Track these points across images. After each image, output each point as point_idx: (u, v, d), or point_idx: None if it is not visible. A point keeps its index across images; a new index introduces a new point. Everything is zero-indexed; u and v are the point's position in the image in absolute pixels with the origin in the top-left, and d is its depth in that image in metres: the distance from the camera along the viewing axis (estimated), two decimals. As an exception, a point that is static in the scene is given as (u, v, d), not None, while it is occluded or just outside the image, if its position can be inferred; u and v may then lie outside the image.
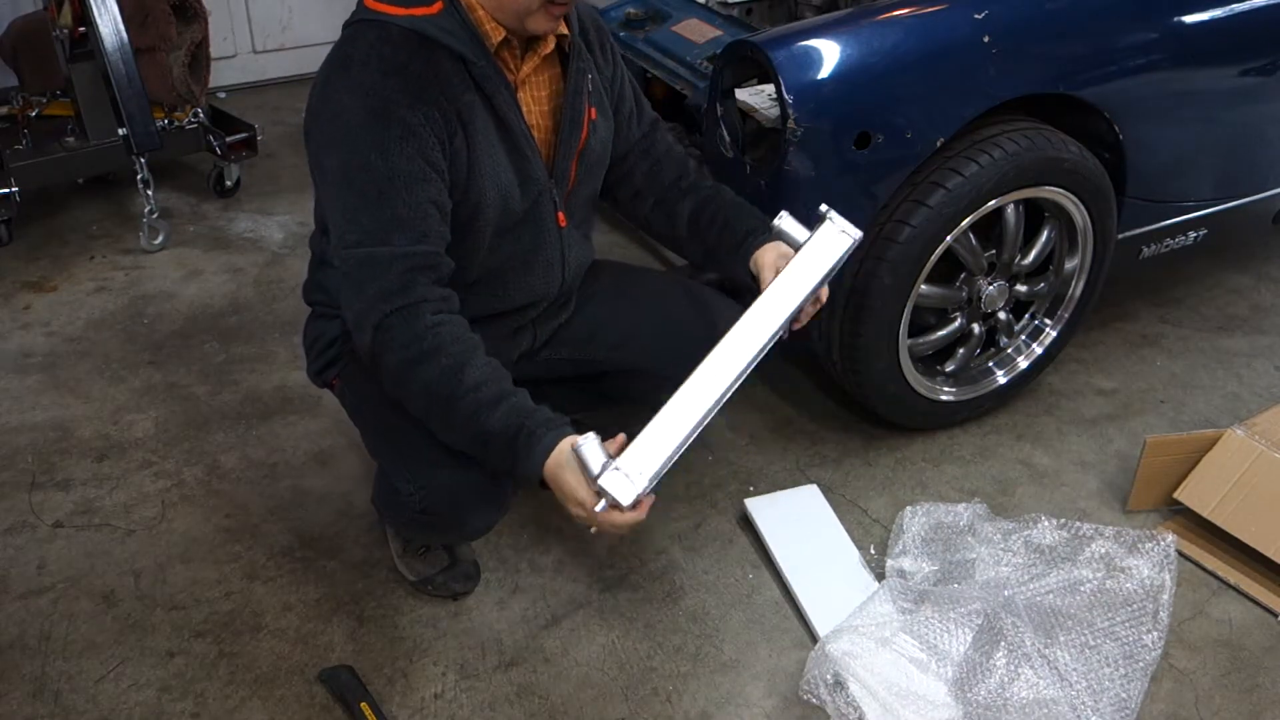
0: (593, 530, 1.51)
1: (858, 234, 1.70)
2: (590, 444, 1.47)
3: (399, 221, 1.52)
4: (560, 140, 1.70)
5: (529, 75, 1.67)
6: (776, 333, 1.62)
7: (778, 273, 1.67)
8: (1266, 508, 2.00)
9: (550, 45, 1.67)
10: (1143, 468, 2.12)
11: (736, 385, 1.57)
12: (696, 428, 1.52)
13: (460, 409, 1.53)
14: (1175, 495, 2.08)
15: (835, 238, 1.69)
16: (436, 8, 1.54)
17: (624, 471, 1.46)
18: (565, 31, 1.67)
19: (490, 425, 1.52)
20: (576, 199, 1.78)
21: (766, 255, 1.73)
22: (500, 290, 1.76)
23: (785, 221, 1.72)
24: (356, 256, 1.54)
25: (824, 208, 1.69)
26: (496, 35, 1.58)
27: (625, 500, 1.45)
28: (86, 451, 2.31)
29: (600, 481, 1.45)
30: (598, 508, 1.46)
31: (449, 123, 1.55)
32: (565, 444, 1.49)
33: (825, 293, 1.72)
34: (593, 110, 1.74)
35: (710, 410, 1.54)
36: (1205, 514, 2.04)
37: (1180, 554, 2.03)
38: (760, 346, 1.59)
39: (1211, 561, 2.03)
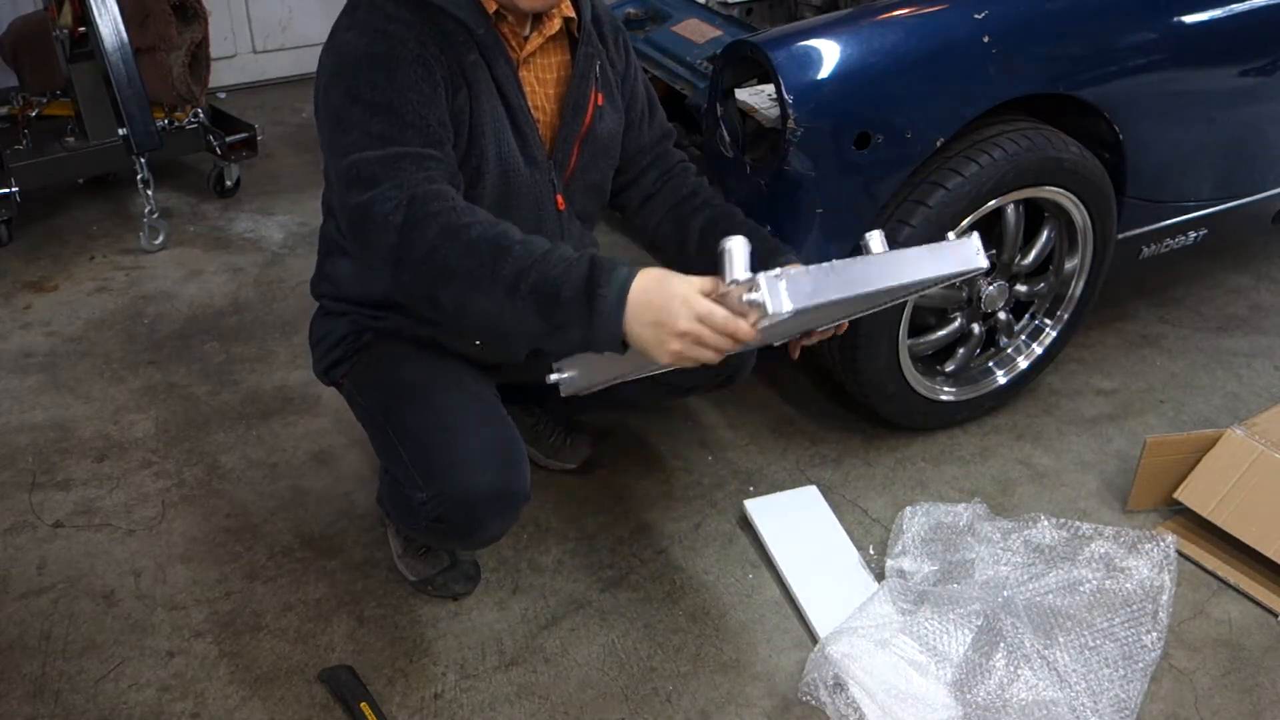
0: (701, 360, 1.29)
1: (982, 264, 1.50)
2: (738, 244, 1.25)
3: (409, 127, 1.46)
4: (563, 123, 1.68)
5: (533, 55, 1.66)
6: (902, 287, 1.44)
7: None
8: (1266, 508, 2.00)
9: (556, 25, 1.65)
10: (1143, 468, 2.12)
11: (879, 299, 1.47)
12: (855, 298, 1.34)
13: (514, 255, 1.35)
14: (1175, 495, 2.08)
15: (964, 252, 1.49)
16: None
17: (784, 279, 1.23)
18: (571, 14, 1.66)
19: (555, 260, 1.34)
20: (577, 185, 1.76)
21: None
22: None
23: (874, 240, 1.48)
24: (361, 160, 1.44)
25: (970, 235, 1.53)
26: (489, 4, 1.58)
27: (785, 307, 1.22)
28: (86, 451, 2.31)
29: (759, 277, 1.22)
30: (721, 318, 1.25)
31: (453, 76, 1.54)
32: (649, 269, 1.31)
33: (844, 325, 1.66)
34: (600, 96, 1.72)
35: (872, 290, 1.35)
36: (1205, 514, 2.04)
37: (1180, 554, 2.03)
38: (901, 283, 1.40)
39: (1211, 561, 2.03)
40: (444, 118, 1.53)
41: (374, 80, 1.49)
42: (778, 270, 1.24)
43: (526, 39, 1.64)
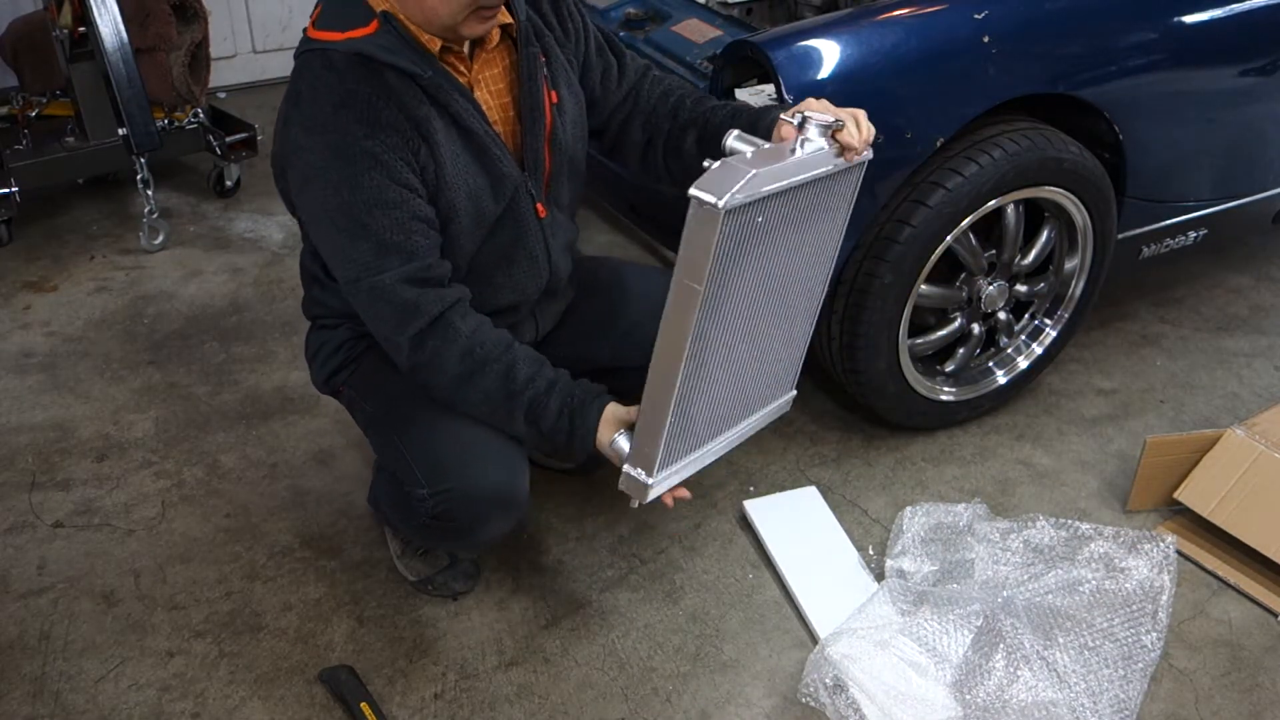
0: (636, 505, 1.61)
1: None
2: (620, 440, 1.59)
3: (386, 247, 1.53)
4: (525, 129, 1.67)
5: (481, 71, 1.64)
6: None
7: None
8: (1266, 508, 2.00)
9: (495, 37, 1.63)
10: (1143, 468, 2.12)
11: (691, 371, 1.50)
12: (674, 408, 1.49)
13: (520, 404, 1.60)
14: (1175, 495, 2.08)
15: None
16: (373, 26, 1.52)
17: (632, 469, 1.56)
18: (508, 19, 1.63)
19: (549, 411, 1.60)
20: (557, 185, 1.75)
21: (784, 129, 1.60)
22: (486, 287, 1.72)
23: (734, 140, 1.58)
24: (362, 290, 1.57)
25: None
26: (434, 45, 1.56)
27: (641, 501, 1.58)
28: (86, 451, 2.31)
29: (620, 484, 1.57)
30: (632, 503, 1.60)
31: (410, 141, 1.53)
32: (608, 412, 1.60)
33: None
34: (554, 94, 1.69)
35: (678, 391, 1.48)
36: (1205, 514, 2.04)
37: (1180, 554, 2.03)
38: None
39: (1211, 561, 2.03)
40: (416, 208, 1.55)
41: (343, 200, 1.52)
42: (626, 457, 1.60)
43: (471, 58, 1.63)
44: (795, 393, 1.82)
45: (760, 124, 1.66)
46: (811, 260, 1.64)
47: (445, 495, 1.64)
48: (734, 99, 2.04)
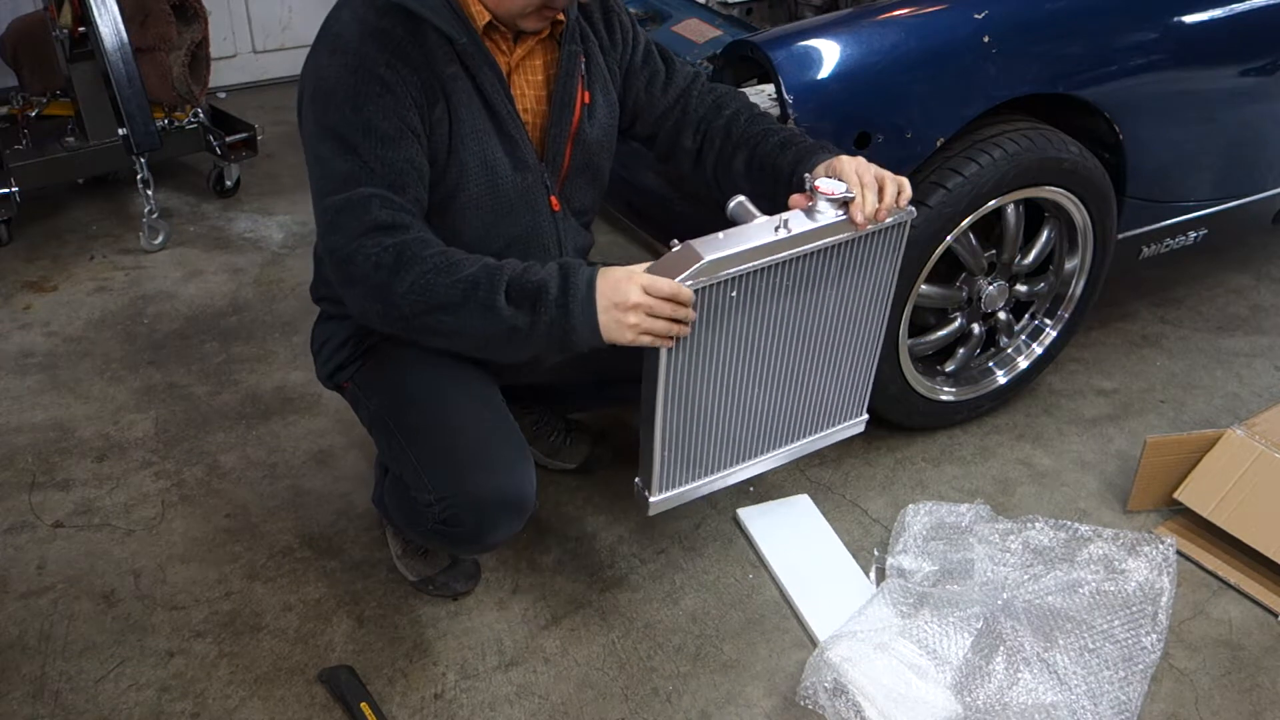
0: (664, 340, 1.48)
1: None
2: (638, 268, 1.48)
3: (372, 173, 1.51)
4: (552, 123, 1.68)
5: (522, 59, 1.66)
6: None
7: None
8: (1266, 508, 2.00)
9: (545, 32, 1.66)
10: (1143, 468, 2.12)
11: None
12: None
13: (501, 280, 1.47)
14: (1175, 495, 2.08)
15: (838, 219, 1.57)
16: None
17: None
18: (560, 19, 1.66)
19: (535, 278, 1.47)
20: (573, 184, 1.76)
21: (794, 198, 1.63)
22: None
23: (734, 207, 1.63)
24: (335, 204, 1.52)
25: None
26: (482, 18, 1.58)
27: (702, 254, 1.45)
28: (86, 451, 2.31)
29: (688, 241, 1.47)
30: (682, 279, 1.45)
31: (429, 90, 1.54)
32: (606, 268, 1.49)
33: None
34: (587, 94, 1.71)
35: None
36: (1205, 514, 2.04)
37: (1180, 554, 2.03)
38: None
39: (1211, 561, 2.03)
40: (410, 153, 1.54)
41: (342, 115, 1.51)
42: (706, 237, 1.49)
43: (516, 43, 1.64)
44: (866, 416, 1.91)
45: (800, 167, 1.65)
46: (852, 308, 1.72)
47: (452, 501, 1.63)
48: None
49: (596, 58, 1.74)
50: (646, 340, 1.46)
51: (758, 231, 1.52)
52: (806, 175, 1.60)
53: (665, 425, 1.64)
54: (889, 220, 1.60)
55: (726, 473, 1.78)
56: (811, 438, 1.86)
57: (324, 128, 1.53)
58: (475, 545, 1.77)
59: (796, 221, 1.54)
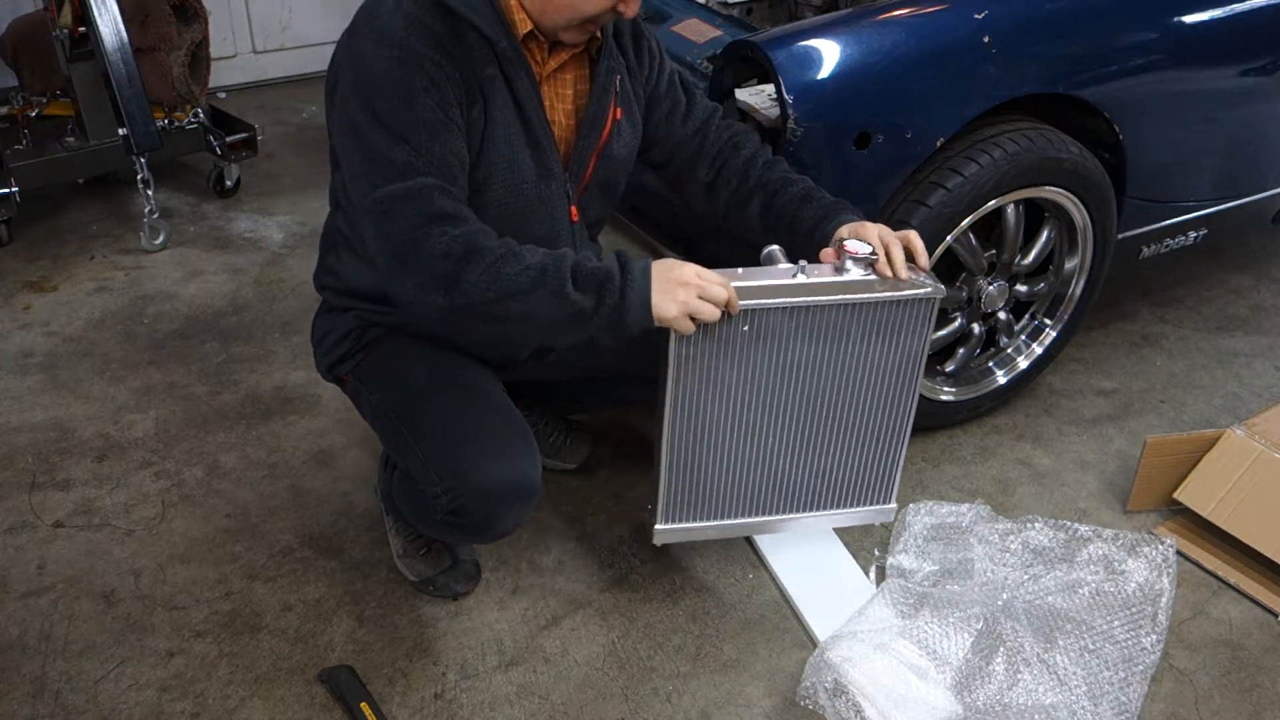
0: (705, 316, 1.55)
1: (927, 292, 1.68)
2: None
3: (428, 164, 1.52)
4: (580, 137, 1.70)
5: (555, 71, 1.67)
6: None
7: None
8: (1266, 508, 2.00)
9: (582, 45, 1.67)
10: (1143, 468, 2.12)
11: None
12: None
13: (566, 264, 1.53)
14: (1175, 495, 2.08)
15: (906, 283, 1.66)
16: None
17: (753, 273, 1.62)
18: (598, 35, 1.68)
19: (595, 267, 1.54)
20: (590, 197, 1.77)
21: (825, 253, 1.69)
22: None
23: (767, 252, 1.71)
24: (394, 192, 1.51)
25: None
26: (523, 26, 1.59)
27: (742, 281, 1.58)
28: (86, 451, 2.31)
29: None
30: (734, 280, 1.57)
31: (470, 89, 1.56)
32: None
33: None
34: (618, 111, 1.73)
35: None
36: (1205, 514, 2.04)
37: (1180, 554, 2.03)
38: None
39: (1211, 561, 2.03)
40: (456, 146, 1.55)
41: (391, 106, 1.52)
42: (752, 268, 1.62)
43: (550, 54, 1.65)
44: (894, 506, 1.92)
45: (825, 225, 1.71)
46: (876, 381, 1.75)
47: (459, 491, 1.64)
48: (734, 99, 2.04)
49: (625, 79, 1.76)
50: (686, 324, 1.54)
51: (775, 272, 1.62)
52: (834, 233, 1.68)
53: (673, 447, 1.70)
54: (916, 293, 1.65)
55: (736, 522, 1.84)
56: (831, 511, 1.89)
57: (373, 116, 1.53)
58: (485, 534, 1.76)
59: (816, 270, 1.63)
